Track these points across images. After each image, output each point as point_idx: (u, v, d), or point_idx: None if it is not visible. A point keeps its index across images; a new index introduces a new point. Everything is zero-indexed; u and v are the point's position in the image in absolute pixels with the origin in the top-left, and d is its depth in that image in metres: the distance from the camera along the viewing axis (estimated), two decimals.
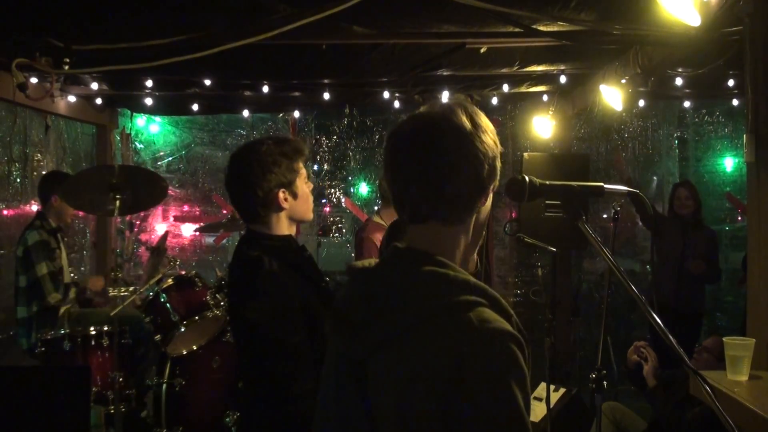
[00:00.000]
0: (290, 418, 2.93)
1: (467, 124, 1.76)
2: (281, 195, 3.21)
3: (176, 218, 10.40)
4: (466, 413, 1.57)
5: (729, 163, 10.48)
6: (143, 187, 6.21)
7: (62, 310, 6.52)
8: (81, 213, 7.55)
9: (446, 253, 1.78)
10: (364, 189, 10.59)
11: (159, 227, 10.14)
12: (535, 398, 6.15)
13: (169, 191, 8.77)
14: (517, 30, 5.25)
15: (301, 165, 3.30)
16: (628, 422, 5.68)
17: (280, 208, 3.24)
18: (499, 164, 1.82)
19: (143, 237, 9.98)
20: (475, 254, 1.94)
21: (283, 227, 3.30)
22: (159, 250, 6.76)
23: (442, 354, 1.59)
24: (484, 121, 1.81)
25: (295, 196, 3.28)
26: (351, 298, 1.83)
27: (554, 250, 5.80)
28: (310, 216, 3.44)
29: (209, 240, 10.37)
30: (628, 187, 2.37)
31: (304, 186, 3.34)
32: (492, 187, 1.83)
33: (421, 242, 1.80)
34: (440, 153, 1.75)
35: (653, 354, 5.33)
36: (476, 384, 1.57)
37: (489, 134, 1.80)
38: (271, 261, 3.09)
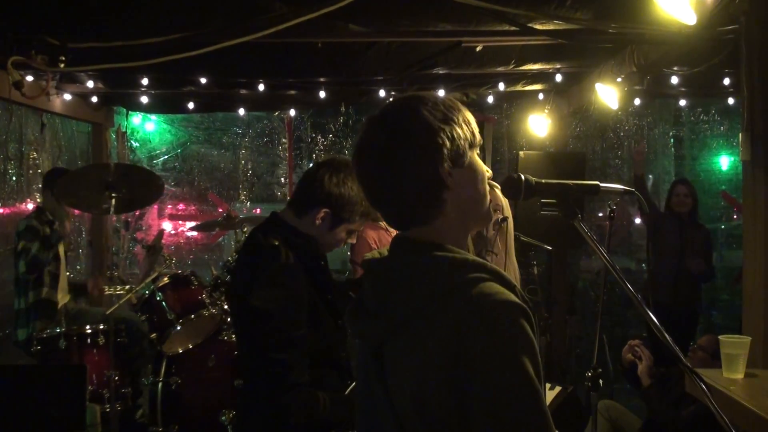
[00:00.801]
0: (285, 409, 2.93)
1: (409, 123, 1.77)
2: (322, 212, 3.16)
3: (172, 216, 10.40)
4: (478, 387, 1.57)
5: (725, 161, 10.49)
6: (139, 186, 6.21)
7: (60, 305, 6.51)
8: (76, 211, 7.51)
9: (444, 240, 1.79)
10: None
11: (165, 225, 10.14)
12: None
13: (165, 189, 8.74)
14: (513, 28, 5.24)
15: (356, 219, 3.25)
16: (624, 421, 5.69)
17: (313, 223, 3.19)
18: (464, 147, 1.81)
19: (139, 235, 9.96)
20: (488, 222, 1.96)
21: (308, 230, 3.24)
22: (155, 248, 6.75)
23: (450, 332, 1.60)
24: (439, 110, 1.79)
25: (332, 227, 3.23)
26: (366, 288, 1.86)
27: (550, 248, 5.80)
28: (324, 251, 3.37)
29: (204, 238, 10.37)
30: (637, 185, 2.38)
31: (343, 234, 3.30)
32: (459, 173, 1.80)
33: (416, 236, 1.82)
34: (387, 163, 1.77)
35: (647, 353, 5.34)
36: (485, 357, 1.57)
37: (446, 122, 1.78)
38: (289, 253, 3.05)
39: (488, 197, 1.91)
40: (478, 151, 1.89)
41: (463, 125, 1.82)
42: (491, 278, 1.69)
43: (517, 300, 1.64)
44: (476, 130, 1.87)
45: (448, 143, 1.76)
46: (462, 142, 1.80)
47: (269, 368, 2.97)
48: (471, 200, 1.85)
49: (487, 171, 1.92)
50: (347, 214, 3.20)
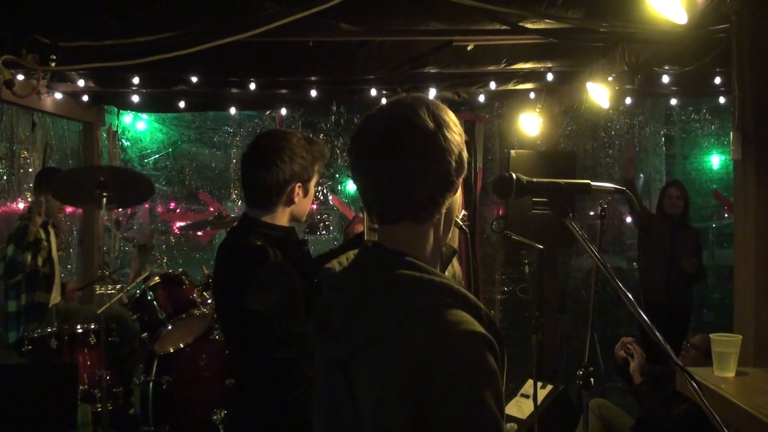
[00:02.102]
0: (291, 407, 2.93)
1: (429, 122, 1.75)
2: (297, 188, 3.20)
3: (163, 215, 10.40)
4: (437, 419, 1.56)
5: (715, 160, 10.53)
6: (130, 187, 6.20)
7: (50, 304, 6.49)
8: (69, 209, 7.50)
9: (416, 250, 1.79)
10: (351, 186, 10.60)
11: (156, 225, 10.15)
12: (522, 395, 6.17)
13: (156, 189, 8.74)
14: (504, 27, 5.25)
15: (317, 169, 3.29)
16: (615, 419, 5.70)
17: (291, 201, 3.22)
18: (465, 155, 1.81)
19: (130, 235, 9.95)
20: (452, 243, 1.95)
21: (284, 221, 3.26)
22: (146, 247, 6.75)
23: (412, 357, 1.59)
24: (448, 116, 1.80)
25: (305, 194, 3.27)
26: (329, 303, 1.83)
27: (541, 247, 5.81)
28: (304, 218, 3.43)
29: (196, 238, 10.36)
30: (626, 187, 2.38)
31: (313, 189, 3.35)
32: (460, 180, 1.82)
33: (390, 241, 1.81)
34: (405, 156, 1.74)
35: (640, 350, 5.35)
36: (445, 386, 1.56)
37: (453, 129, 1.79)
38: (275, 252, 3.05)
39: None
40: None
41: (461, 135, 1.83)
42: (457, 303, 1.67)
43: (481, 330, 1.63)
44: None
45: (462, 149, 1.80)
46: (464, 152, 1.82)
47: (275, 368, 2.97)
48: (455, 208, 1.88)
49: None
50: (312, 173, 3.26)
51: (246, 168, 3.25)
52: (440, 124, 1.76)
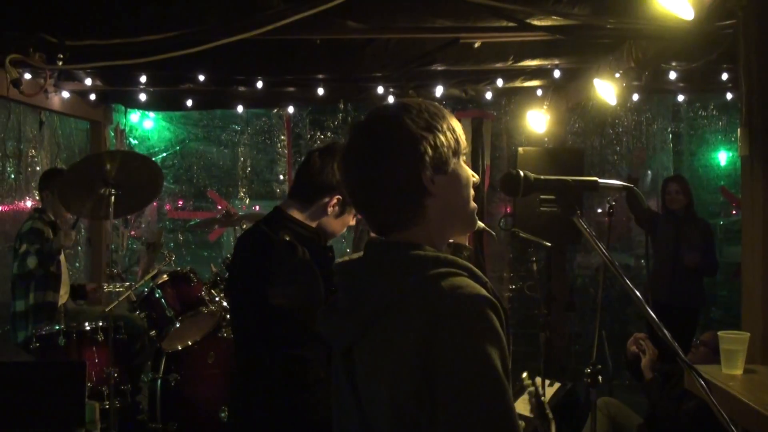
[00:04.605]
0: (300, 407, 2.93)
1: (388, 132, 1.79)
2: (335, 200, 3.19)
3: (171, 213, 10.41)
4: (443, 377, 1.58)
5: (723, 156, 10.49)
6: (138, 176, 6.10)
7: (59, 304, 6.49)
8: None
9: (421, 243, 1.81)
10: None
11: (164, 223, 10.15)
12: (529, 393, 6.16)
13: (164, 187, 8.74)
14: (511, 24, 5.25)
15: None
16: (623, 417, 5.69)
17: (325, 211, 3.21)
18: (445, 154, 1.82)
19: (138, 233, 9.96)
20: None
21: (313, 223, 3.24)
22: (154, 245, 6.75)
23: (419, 325, 1.62)
24: (419, 117, 1.80)
25: (341, 213, 3.26)
26: (339, 289, 1.87)
27: (549, 244, 5.80)
28: (330, 238, 3.38)
29: (204, 236, 10.37)
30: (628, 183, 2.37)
31: (350, 217, 3.33)
32: (442, 179, 1.82)
33: (393, 239, 1.84)
34: (368, 171, 1.80)
35: (651, 347, 5.34)
36: (452, 347, 1.59)
37: (429, 130, 1.79)
38: (303, 249, 3.04)
39: (472, 203, 1.93)
40: (464, 158, 1.90)
41: (447, 132, 1.84)
42: (459, 273, 1.70)
43: (483, 292, 1.66)
44: (462, 137, 1.89)
45: (430, 151, 1.78)
46: (445, 150, 1.82)
47: (287, 365, 2.96)
48: (453, 206, 1.88)
49: (473, 176, 1.94)
50: None
51: (308, 157, 3.27)
52: (393, 138, 1.79)
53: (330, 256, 3.35)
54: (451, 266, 1.71)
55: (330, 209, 3.20)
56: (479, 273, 1.74)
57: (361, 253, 1.91)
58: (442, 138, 1.81)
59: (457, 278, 1.68)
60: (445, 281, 1.66)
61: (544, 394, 5.55)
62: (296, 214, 3.21)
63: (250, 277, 3.16)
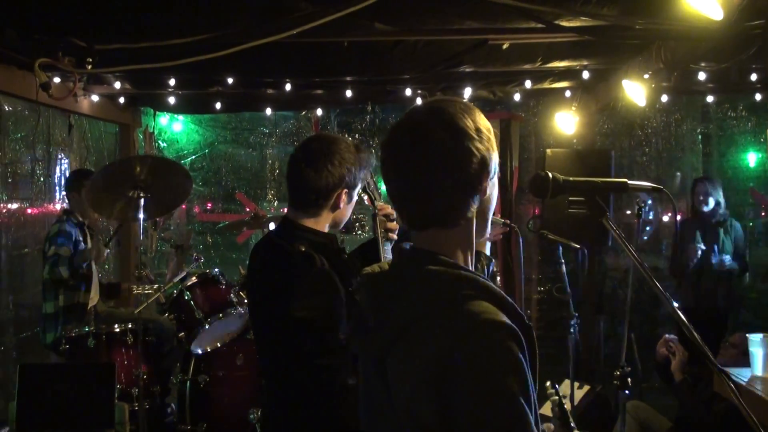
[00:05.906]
0: (329, 415, 2.93)
1: (445, 135, 1.77)
2: (343, 194, 3.19)
3: (200, 216, 10.45)
4: (461, 404, 1.58)
5: (752, 158, 10.41)
6: (167, 179, 6.11)
7: (89, 306, 6.52)
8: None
9: (449, 252, 1.82)
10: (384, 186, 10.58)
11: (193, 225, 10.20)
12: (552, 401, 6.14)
13: (193, 189, 8.78)
14: (539, 26, 5.23)
15: (363, 177, 3.30)
16: (652, 421, 5.67)
17: (336, 207, 3.20)
18: (492, 158, 1.83)
19: (167, 235, 10.00)
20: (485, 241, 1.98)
21: (325, 226, 3.23)
22: (183, 248, 6.78)
23: (437, 348, 1.63)
24: (470, 122, 1.80)
25: (349, 201, 3.26)
26: (365, 302, 1.87)
27: (578, 246, 5.78)
28: (341, 226, 3.38)
29: (233, 238, 10.40)
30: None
31: (356, 196, 3.33)
32: (489, 181, 1.83)
33: (421, 244, 1.85)
34: (421, 170, 1.78)
35: (682, 349, 5.32)
36: (468, 375, 1.59)
37: (474, 136, 1.79)
38: (321, 258, 3.02)
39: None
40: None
41: (491, 136, 1.85)
42: (482, 295, 1.70)
43: (503, 320, 1.65)
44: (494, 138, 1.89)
45: (485, 152, 1.79)
46: (492, 152, 1.83)
47: (316, 375, 2.96)
48: (488, 210, 1.90)
49: None
50: (358, 180, 3.25)
51: (294, 169, 3.20)
52: (457, 134, 1.78)
53: (345, 258, 3.33)
54: (472, 287, 1.71)
55: (341, 204, 3.20)
56: (499, 293, 1.74)
57: (384, 263, 1.92)
58: (485, 145, 1.82)
59: (476, 302, 1.68)
60: (465, 305, 1.67)
61: (573, 398, 5.54)
62: (307, 222, 3.18)
63: (271, 293, 3.14)
